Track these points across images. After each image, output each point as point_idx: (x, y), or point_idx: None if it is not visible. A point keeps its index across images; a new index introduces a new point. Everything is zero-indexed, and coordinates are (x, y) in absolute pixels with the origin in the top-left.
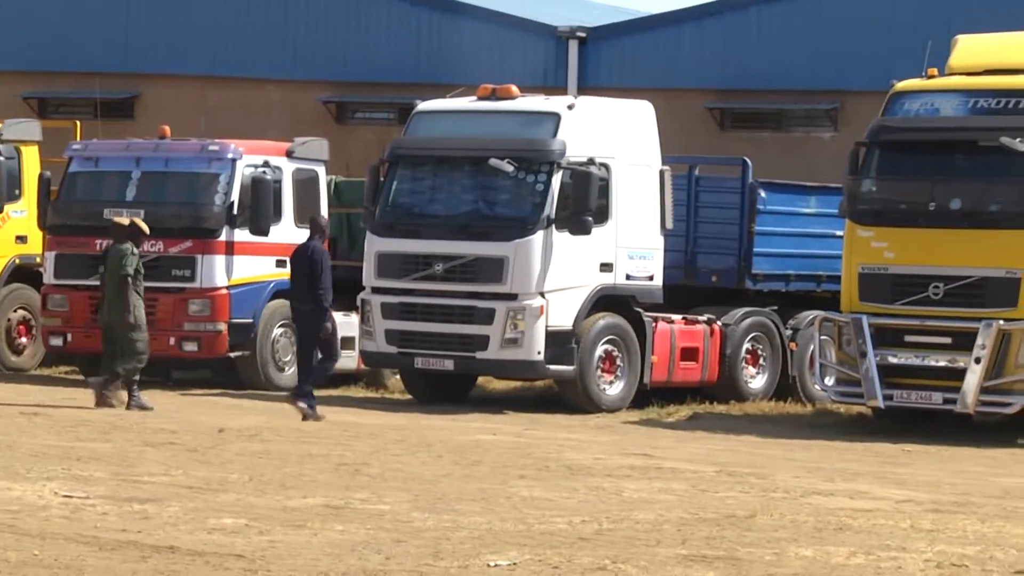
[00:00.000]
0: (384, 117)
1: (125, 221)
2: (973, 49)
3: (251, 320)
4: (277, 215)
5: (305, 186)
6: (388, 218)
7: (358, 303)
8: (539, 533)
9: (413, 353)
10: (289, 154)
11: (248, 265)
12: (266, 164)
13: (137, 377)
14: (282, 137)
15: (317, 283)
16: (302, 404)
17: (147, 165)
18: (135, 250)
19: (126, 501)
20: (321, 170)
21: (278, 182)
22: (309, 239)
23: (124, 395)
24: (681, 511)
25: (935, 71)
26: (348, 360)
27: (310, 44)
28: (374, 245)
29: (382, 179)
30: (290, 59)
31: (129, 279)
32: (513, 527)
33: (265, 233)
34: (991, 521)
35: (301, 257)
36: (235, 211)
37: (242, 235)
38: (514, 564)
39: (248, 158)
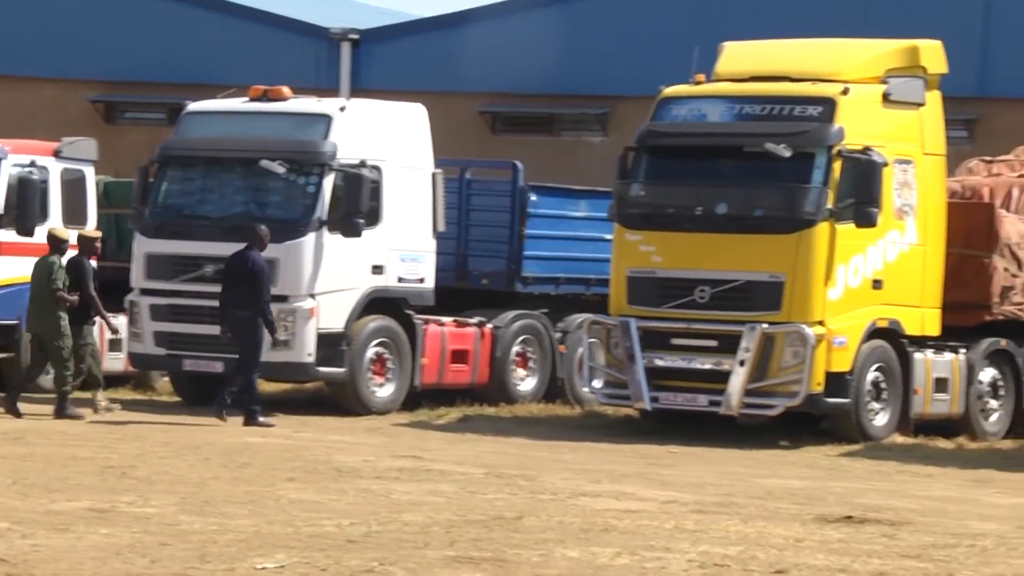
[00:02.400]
0: (154, 117)
1: (64, 235)
2: (739, 56)
3: (16, 321)
4: (44, 215)
5: (73, 186)
6: (157, 219)
7: (126, 305)
8: (307, 535)
9: (182, 355)
10: (57, 154)
11: (14, 266)
12: (33, 164)
13: (68, 387)
14: (50, 137)
15: (260, 294)
16: (262, 419)
17: None
18: (62, 263)
19: None
20: (90, 170)
21: (45, 182)
22: (248, 248)
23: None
24: (450, 513)
25: (702, 77)
26: (116, 362)
27: (79, 42)
28: (143, 246)
29: (151, 180)
30: (59, 57)
31: (60, 291)
32: (281, 530)
33: (31, 233)
34: (753, 521)
35: (239, 265)
36: (0, 211)
37: (7, 235)
38: (282, 567)
39: (14, 157)
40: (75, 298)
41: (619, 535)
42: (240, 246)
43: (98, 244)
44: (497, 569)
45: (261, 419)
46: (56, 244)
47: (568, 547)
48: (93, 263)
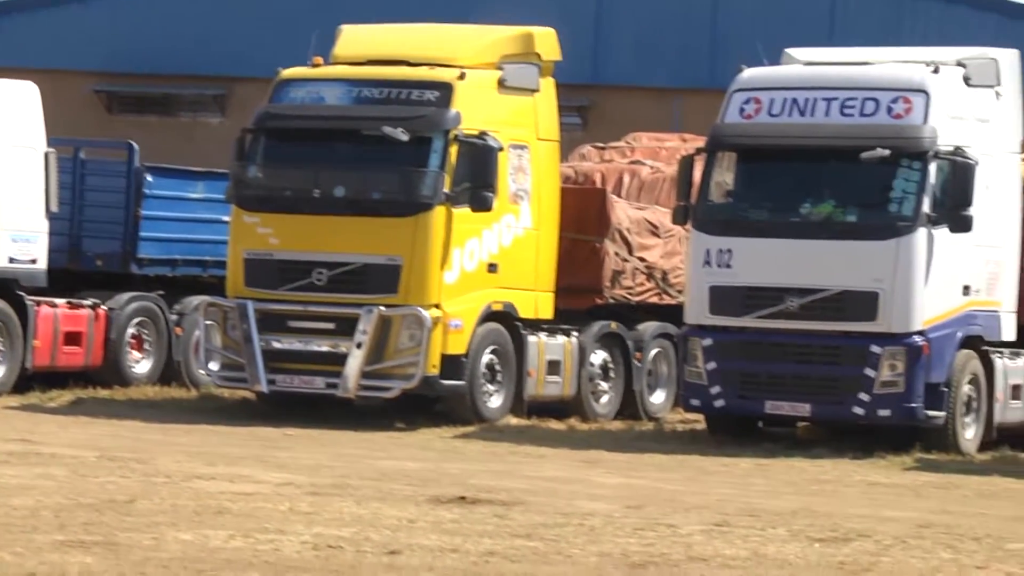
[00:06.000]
0: None
1: None
2: (357, 39)
3: None
4: None
5: None
6: None
7: None
8: None
9: None
10: None
11: None
12: None
13: None
14: None
15: None
16: None
17: None
18: None
19: None
20: None
21: None
22: None
23: None
24: (60, 497)
25: (321, 60)
26: None
27: None
28: None
29: None
30: None
31: None
32: None
33: None
34: (367, 503)
35: None
36: None
37: None
38: None
39: None
40: None
41: (233, 518)
42: None
43: None
44: (108, 553)
45: None
46: None
47: (181, 530)
48: None
